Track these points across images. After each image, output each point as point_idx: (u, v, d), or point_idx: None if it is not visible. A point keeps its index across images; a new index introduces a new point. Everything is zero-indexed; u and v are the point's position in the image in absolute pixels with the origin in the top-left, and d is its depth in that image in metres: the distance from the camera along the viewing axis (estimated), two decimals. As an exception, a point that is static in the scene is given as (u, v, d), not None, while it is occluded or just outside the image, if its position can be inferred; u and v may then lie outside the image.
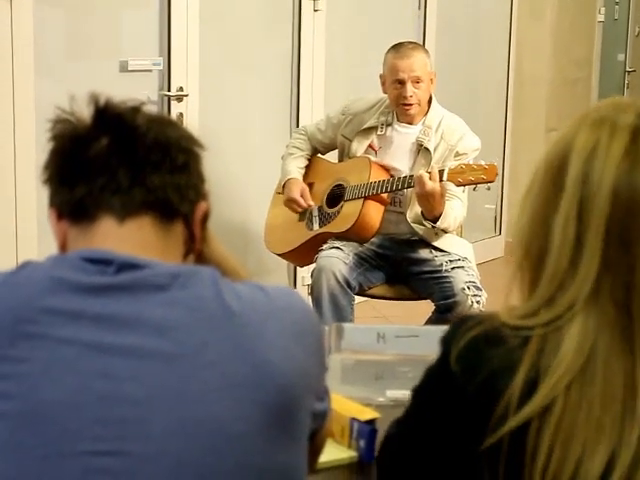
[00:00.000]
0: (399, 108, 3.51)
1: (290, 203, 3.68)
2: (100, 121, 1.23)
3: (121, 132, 1.22)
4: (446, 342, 1.23)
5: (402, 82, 3.45)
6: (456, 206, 3.45)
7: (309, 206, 3.66)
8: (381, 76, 3.56)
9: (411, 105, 3.47)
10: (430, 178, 3.25)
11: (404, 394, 2.03)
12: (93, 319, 1.13)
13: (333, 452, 1.70)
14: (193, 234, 1.28)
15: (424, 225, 3.43)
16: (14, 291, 1.17)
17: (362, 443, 1.76)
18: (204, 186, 1.29)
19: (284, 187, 3.72)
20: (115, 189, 1.21)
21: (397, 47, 3.53)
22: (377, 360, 2.22)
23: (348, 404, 1.83)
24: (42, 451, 1.08)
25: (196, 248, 1.31)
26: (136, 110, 1.25)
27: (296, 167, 3.72)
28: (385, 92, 3.56)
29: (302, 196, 3.66)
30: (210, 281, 1.18)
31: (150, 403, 1.10)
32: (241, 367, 1.14)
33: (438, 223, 3.35)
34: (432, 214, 3.34)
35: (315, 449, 1.34)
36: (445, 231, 3.44)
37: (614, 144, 1.19)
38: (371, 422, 1.78)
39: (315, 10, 4.61)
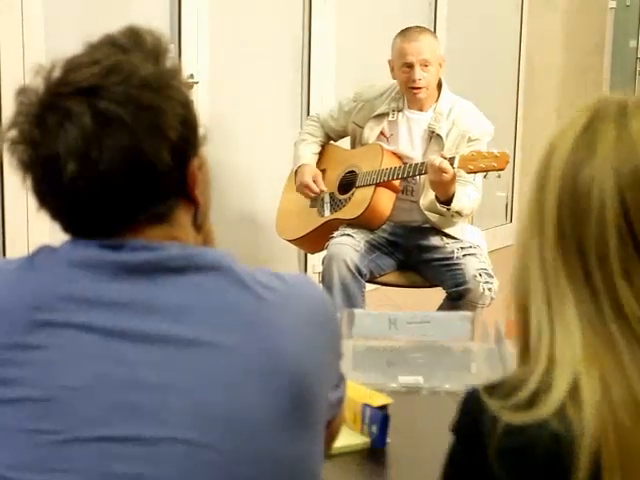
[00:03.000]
0: (408, 92, 3.50)
1: (302, 188, 3.67)
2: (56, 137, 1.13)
3: (84, 160, 1.12)
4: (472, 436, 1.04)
5: (410, 65, 3.44)
6: (469, 191, 3.43)
7: (321, 191, 3.65)
8: (390, 61, 3.55)
9: (420, 89, 3.46)
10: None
11: (416, 379, 2.04)
12: (109, 305, 1.12)
13: (346, 438, 1.69)
14: (196, 200, 1.21)
15: (438, 212, 3.41)
16: (30, 278, 1.16)
17: (374, 429, 1.77)
18: (189, 151, 1.19)
19: (296, 173, 3.72)
20: (98, 221, 1.16)
21: (405, 31, 3.53)
22: (389, 346, 2.22)
23: (360, 390, 1.83)
24: (58, 437, 1.08)
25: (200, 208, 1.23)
26: (96, 104, 1.13)
27: (309, 153, 3.71)
28: (394, 78, 3.54)
29: (315, 181, 3.65)
30: (227, 266, 1.17)
31: (165, 389, 1.09)
32: (256, 354, 1.12)
33: (453, 204, 3.33)
34: (447, 195, 3.33)
35: (330, 435, 1.33)
36: (460, 214, 3.41)
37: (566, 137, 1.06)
38: (383, 408, 1.78)
39: (326, -3, 4.60)
